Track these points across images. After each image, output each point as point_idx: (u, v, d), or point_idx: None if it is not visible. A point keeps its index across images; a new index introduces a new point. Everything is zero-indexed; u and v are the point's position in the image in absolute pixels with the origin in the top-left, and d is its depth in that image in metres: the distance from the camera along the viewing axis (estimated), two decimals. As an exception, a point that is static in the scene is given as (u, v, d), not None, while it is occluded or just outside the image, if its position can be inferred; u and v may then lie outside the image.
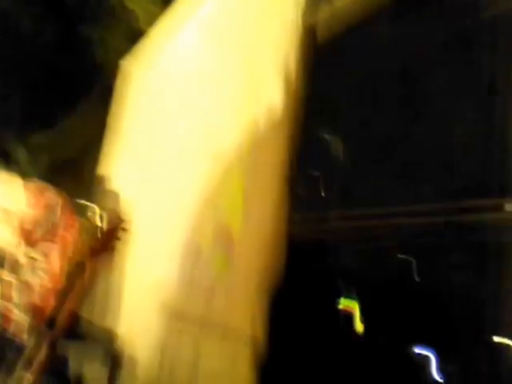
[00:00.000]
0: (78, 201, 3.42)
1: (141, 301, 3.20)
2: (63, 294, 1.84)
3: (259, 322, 2.10)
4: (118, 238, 1.89)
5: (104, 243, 1.87)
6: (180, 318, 2.55)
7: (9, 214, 3.03)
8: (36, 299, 2.81)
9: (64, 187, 3.03)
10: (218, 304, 2.23)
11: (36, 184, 3.23)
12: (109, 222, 1.88)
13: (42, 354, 1.83)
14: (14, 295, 2.91)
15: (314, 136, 2.44)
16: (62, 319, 1.82)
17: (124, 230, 1.91)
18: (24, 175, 3.26)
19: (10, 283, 3.06)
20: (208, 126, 2.78)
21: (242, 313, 2.09)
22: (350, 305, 2.17)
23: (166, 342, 2.64)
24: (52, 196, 3.13)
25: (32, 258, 3.04)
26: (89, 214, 1.88)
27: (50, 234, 3.11)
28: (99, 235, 1.86)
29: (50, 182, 3.18)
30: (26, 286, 2.90)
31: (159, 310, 2.80)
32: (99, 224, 1.86)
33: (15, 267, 3.07)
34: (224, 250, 2.26)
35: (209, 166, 2.58)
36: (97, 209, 1.90)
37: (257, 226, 2.15)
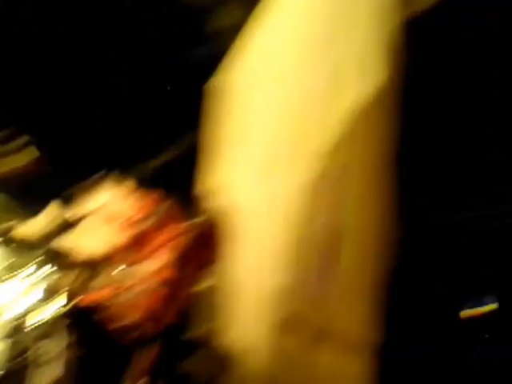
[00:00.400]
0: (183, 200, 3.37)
1: (252, 309, 3.10)
2: (171, 295, 1.74)
3: (377, 328, 1.96)
4: (221, 240, 1.78)
5: (208, 244, 1.76)
6: (294, 327, 2.41)
7: (117, 215, 3.02)
8: (145, 300, 2.77)
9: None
10: (333, 312, 2.08)
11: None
12: (211, 224, 1.77)
13: (151, 354, 1.75)
14: (124, 296, 2.89)
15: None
16: (169, 319, 1.74)
17: (226, 232, 1.79)
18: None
19: (120, 284, 3.01)
20: (301, 124, 2.67)
21: (359, 319, 1.94)
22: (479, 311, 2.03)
23: (280, 353, 2.51)
24: (157, 197, 3.09)
25: (140, 258, 3.02)
26: (194, 214, 1.77)
27: (157, 235, 3.06)
28: (203, 236, 1.76)
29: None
30: (135, 287, 2.87)
31: (271, 319, 2.68)
32: (202, 224, 1.76)
33: (125, 268, 3.05)
34: (335, 254, 2.12)
35: (311, 164, 2.45)
36: (202, 209, 1.78)
37: (367, 221, 2.00)
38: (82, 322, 3.03)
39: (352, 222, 2.10)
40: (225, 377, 2.99)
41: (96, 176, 3.35)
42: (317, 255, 2.31)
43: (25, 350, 3.21)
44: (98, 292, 3.19)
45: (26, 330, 3.22)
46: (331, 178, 2.25)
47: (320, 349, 2.13)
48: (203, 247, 1.73)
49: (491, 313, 2.31)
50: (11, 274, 3.47)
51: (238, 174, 3.67)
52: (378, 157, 2.16)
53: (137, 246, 3.08)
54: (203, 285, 4.13)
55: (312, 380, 2.17)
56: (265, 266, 2.99)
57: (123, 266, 3.13)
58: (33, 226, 3.12)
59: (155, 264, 1.83)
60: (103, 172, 3.39)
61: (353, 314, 2.03)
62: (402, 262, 2.09)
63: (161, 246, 2.90)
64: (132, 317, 2.87)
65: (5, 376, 3.11)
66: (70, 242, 3.06)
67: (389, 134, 2.19)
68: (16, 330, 3.27)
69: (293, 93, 2.78)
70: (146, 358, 1.74)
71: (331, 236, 2.18)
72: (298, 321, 2.41)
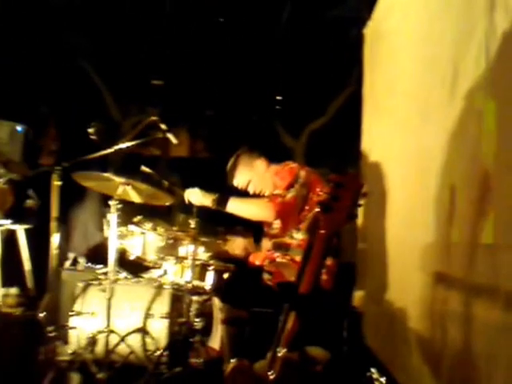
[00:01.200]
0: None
1: (400, 265, 3.11)
2: (317, 268, 1.77)
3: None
4: (359, 204, 1.76)
5: (347, 210, 1.75)
6: (443, 281, 2.37)
7: (273, 197, 3.16)
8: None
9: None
10: (482, 264, 2.01)
11: (289, 165, 3.33)
12: (351, 188, 1.75)
13: (294, 325, 1.80)
14: (287, 274, 3.05)
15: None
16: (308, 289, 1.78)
17: (364, 195, 1.77)
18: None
19: (285, 264, 3.17)
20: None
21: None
22: None
23: (431, 308, 2.49)
24: (305, 174, 3.19)
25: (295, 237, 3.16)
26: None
27: (306, 213, 3.19)
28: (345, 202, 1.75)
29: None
30: (295, 265, 3.01)
31: (421, 274, 2.67)
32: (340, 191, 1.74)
33: (287, 248, 3.20)
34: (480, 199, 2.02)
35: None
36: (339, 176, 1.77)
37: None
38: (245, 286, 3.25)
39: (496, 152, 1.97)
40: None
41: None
42: (457, 202, 2.24)
43: (186, 323, 3.46)
44: (260, 256, 3.42)
45: (186, 304, 3.48)
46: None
47: (479, 303, 2.07)
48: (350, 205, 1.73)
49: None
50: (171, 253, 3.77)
51: (385, 126, 3.67)
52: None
53: (287, 215, 3.22)
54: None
55: (469, 333, 2.12)
56: (409, 218, 2.98)
57: (284, 246, 3.32)
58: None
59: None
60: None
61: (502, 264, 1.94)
62: None
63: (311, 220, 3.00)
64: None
65: (169, 349, 3.37)
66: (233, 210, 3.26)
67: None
68: (177, 304, 3.55)
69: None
70: (291, 325, 1.79)
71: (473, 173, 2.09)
72: (446, 271, 2.36)
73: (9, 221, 4.47)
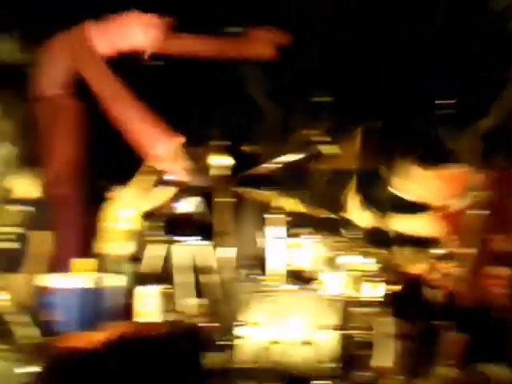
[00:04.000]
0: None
1: None
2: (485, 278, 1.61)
3: None
4: None
5: None
6: None
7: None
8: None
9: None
10: None
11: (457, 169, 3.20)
12: None
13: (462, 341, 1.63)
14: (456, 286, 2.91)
15: None
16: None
17: None
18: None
19: (454, 276, 3.04)
20: None
21: None
22: None
23: None
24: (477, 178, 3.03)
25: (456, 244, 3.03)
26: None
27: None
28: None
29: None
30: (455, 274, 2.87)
31: None
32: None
33: (449, 257, 3.08)
34: None
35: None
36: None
37: None
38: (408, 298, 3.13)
39: None
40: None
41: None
42: None
43: (354, 337, 3.39)
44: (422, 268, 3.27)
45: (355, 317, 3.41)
46: None
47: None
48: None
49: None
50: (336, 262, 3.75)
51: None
52: None
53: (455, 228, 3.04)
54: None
55: None
56: None
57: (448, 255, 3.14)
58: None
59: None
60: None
61: None
62: None
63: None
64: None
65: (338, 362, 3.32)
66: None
67: None
68: (346, 316, 3.49)
69: None
70: (457, 341, 1.65)
71: None
72: None
73: (198, 237, 4.78)
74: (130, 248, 5.44)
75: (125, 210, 4.96)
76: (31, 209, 4.57)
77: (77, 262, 4.65)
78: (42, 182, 4.66)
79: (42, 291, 4.39)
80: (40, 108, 4.58)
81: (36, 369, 2.04)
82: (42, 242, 4.52)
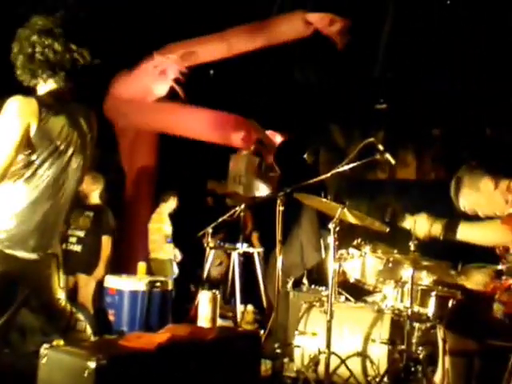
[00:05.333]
0: None
1: None
2: None
3: None
4: None
5: None
6: None
7: None
8: None
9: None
10: None
11: None
12: None
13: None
14: None
15: None
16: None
17: None
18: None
19: None
20: None
21: None
22: None
23: None
24: None
25: None
26: None
27: None
28: None
29: None
30: None
31: None
32: None
33: None
34: None
35: None
36: None
37: None
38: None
39: None
40: None
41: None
42: None
43: (407, 351, 3.33)
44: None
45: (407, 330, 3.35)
46: None
47: None
48: None
49: None
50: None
51: None
52: None
53: None
54: None
55: None
56: None
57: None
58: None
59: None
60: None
61: None
62: None
63: None
64: None
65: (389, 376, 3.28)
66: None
67: None
68: (398, 330, 3.44)
69: None
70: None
71: None
72: None
73: (246, 244, 4.86)
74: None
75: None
76: (99, 214, 4.78)
77: (141, 265, 4.84)
78: (106, 189, 4.90)
79: (107, 292, 4.59)
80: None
81: (97, 365, 2.14)
82: (108, 245, 4.72)
